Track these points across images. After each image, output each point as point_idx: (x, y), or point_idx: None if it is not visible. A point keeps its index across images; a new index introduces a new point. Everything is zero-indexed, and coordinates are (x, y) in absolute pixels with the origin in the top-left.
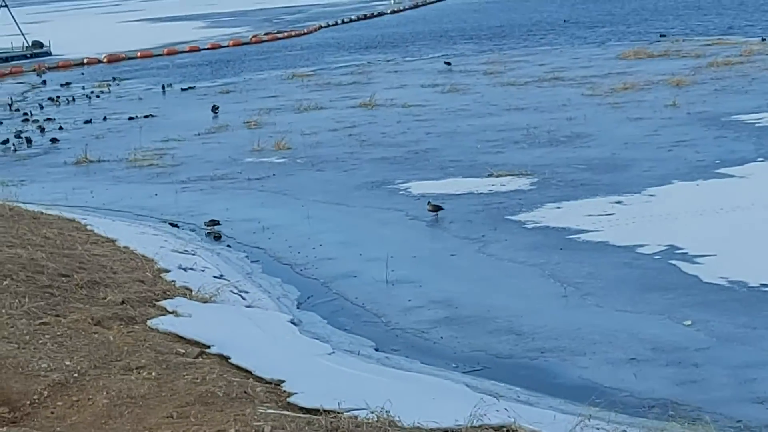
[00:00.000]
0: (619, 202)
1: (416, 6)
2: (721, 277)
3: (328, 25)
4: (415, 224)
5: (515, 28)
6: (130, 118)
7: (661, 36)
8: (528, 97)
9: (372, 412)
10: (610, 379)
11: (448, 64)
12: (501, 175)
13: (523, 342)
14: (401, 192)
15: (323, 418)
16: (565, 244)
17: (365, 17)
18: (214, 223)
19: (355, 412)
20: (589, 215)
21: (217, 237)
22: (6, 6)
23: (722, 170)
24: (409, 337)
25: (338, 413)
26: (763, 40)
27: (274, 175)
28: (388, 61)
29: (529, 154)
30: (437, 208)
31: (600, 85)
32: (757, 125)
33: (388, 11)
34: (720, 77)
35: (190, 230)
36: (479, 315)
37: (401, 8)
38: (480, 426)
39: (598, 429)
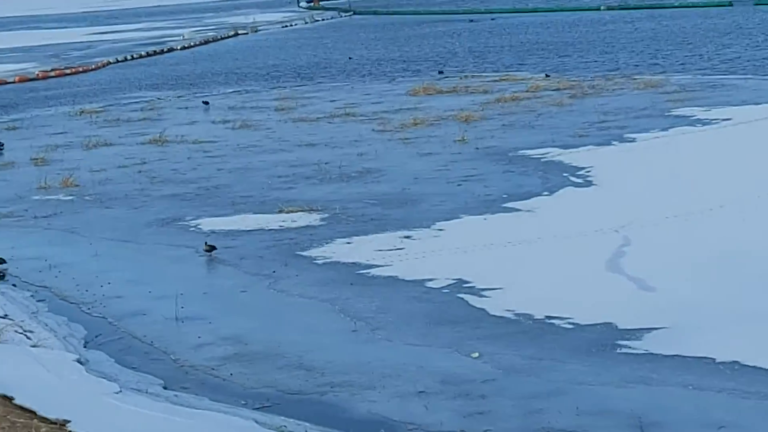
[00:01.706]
0: (409, 237)
1: (206, 42)
2: (508, 310)
3: (117, 61)
4: (205, 261)
5: (307, 65)
6: None
7: (439, 72)
8: (319, 133)
9: None
10: (399, 413)
11: (206, 103)
12: (292, 211)
13: (312, 377)
14: (192, 228)
15: None
16: (356, 279)
17: (155, 53)
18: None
19: None
20: (380, 250)
21: (2, 276)
22: None
23: (510, 204)
24: (198, 374)
25: None
26: (547, 76)
27: (61, 212)
28: (179, 97)
29: (321, 189)
30: (212, 248)
31: (391, 121)
32: (542, 160)
33: (178, 47)
34: (507, 112)
35: None
36: (269, 351)
37: (191, 44)
38: None
39: None
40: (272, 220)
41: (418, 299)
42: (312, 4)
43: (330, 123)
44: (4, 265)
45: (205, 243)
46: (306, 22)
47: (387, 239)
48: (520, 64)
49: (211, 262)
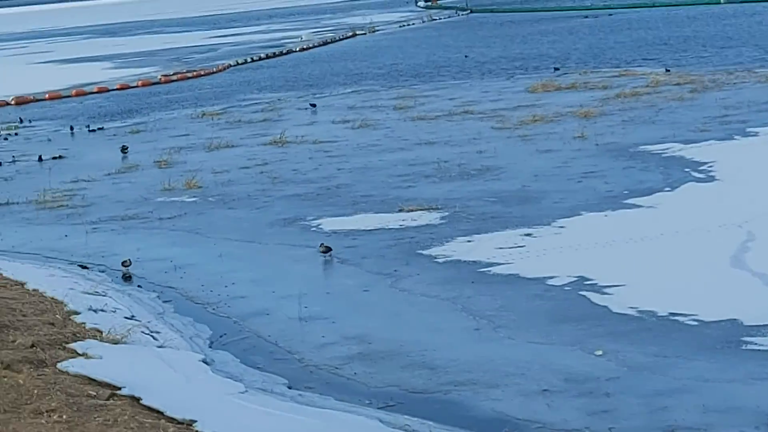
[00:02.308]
0: (529, 234)
1: (325, 43)
2: (631, 307)
3: (238, 64)
4: (327, 261)
5: (425, 64)
6: (39, 160)
7: (555, 69)
8: (438, 131)
9: None
10: (522, 411)
11: (314, 105)
12: (412, 210)
13: (436, 376)
14: (313, 228)
15: None
16: (477, 277)
17: (275, 55)
18: (125, 263)
19: None
20: (500, 248)
21: (128, 278)
22: None
23: (630, 200)
24: (322, 373)
25: None
26: (668, 71)
27: (185, 213)
28: (299, 98)
29: (440, 188)
30: (328, 249)
31: (509, 118)
32: (663, 155)
33: (297, 49)
34: (627, 108)
35: (100, 271)
36: (392, 350)
37: (310, 46)
38: None
39: None
40: (393, 219)
41: (540, 297)
42: (430, 3)
43: (449, 121)
44: (130, 267)
45: (322, 244)
46: (423, 21)
47: (507, 237)
48: (640, 60)
49: (333, 262)
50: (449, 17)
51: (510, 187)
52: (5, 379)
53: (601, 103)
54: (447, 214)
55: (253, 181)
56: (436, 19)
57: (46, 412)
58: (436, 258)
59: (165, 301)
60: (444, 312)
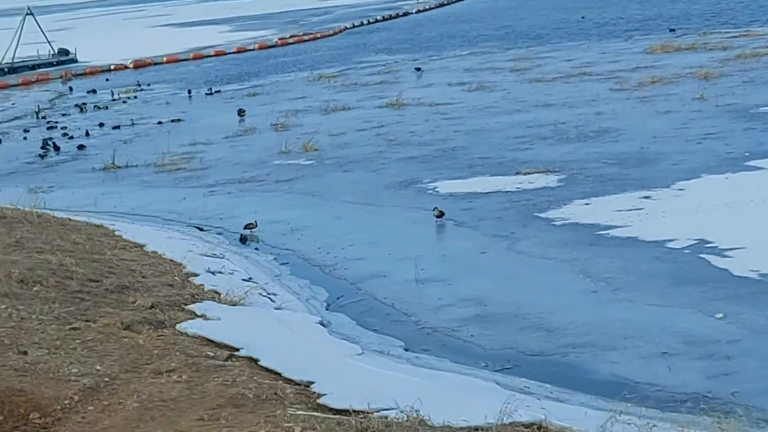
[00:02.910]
0: (648, 197)
1: (441, 5)
2: (752, 270)
3: (354, 26)
4: (443, 223)
5: (542, 25)
6: (158, 123)
7: (670, 30)
8: (555, 93)
9: (402, 412)
10: (641, 374)
11: (419, 69)
12: (529, 173)
13: (553, 338)
14: (430, 191)
15: (353, 419)
16: (595, 239)
17: (390, 17)
18: (250, 225)
19: (385, 412)
20: (619, 210)
21: (245, 240)
22: (32, 14)
23: (751, 162)
24: (439, 335)
25: (368, 413)
26: None
27: (302, 176)
28: (415, 60)
29: (558, 150)
30: (442, 214)
31: (628, 80)
32: None
33: (413, 11)
34: (748, 69)
35: (218, 233)
36: (509, 312)
37: (426, 8)
38: (510, 423)
39: (629, 424)
40: (509, 182)
41: (659, 259)
42: None
43: (566, 83)
44: (255, 230)
45: (435, 208)
46: None
47: (626, 199)
48: (762, 20)
49: (450, 224)
50: None
51: (628, 148)
52: (126, 340)
53: (721, 64)
54: (564, 176)
55: (369, 144)
56: None
57: (166, 372)
58: (553, 221)
59: (282, 264)
60: (561, 274)
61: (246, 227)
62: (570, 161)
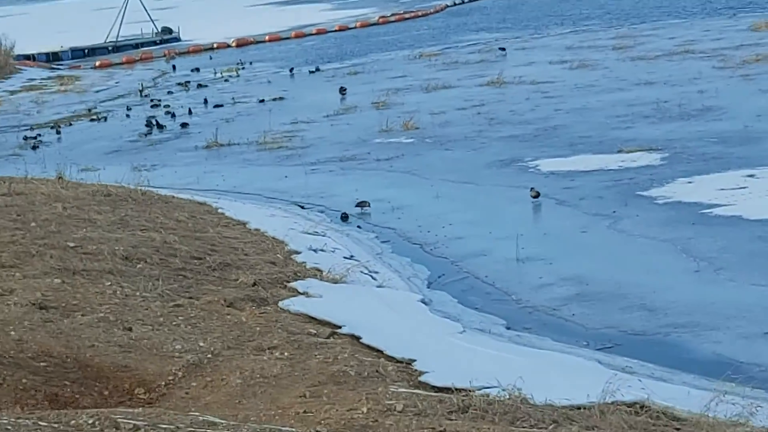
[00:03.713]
0: (752, 176)
1: None
2: None
3: (455, 4)
4: (545, 201)
5: (644, 2)
6: (260, 101)
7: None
8: (658, 71)
9: (504, 390)
10: (745, 354)
11: (503, 49)
12: (631, 151)
13: (655, 318)
14: (530, 170)
15: (455, 396)
16: (698, 218)
17: None
18: (363, 204)
19: (487, 390)
20: (722, 189)
21: (346, 217)
22: None
23: None
24: (540, 314)
25: (470, 391)
26: None
27: (402, 155)
28: (516, 38)
29: (660, 128)
30: (538, 194)
31: (731, 58)
32: None
33: None
34: None
35: (320, 212)
36: (611, 291)
37: None
38: (612, 402)
39: (733, 404)
40: (611, 160)
41: (763, 239)
42: None
43: (669, 61)
44: (367, 208)
45: (532, 189)
46: None
47: (729, 178)
48: None
49: (551, 203)
50: None
51: (732, 127)
52: (228, 317)
53: None
54: (667, 155)
55: (469, 122)
56: None
57: (268, 349)
58: (655, 199)
59: (383, 242)
60: (663, 254)
61: (358, 205)
62: (672, 140)
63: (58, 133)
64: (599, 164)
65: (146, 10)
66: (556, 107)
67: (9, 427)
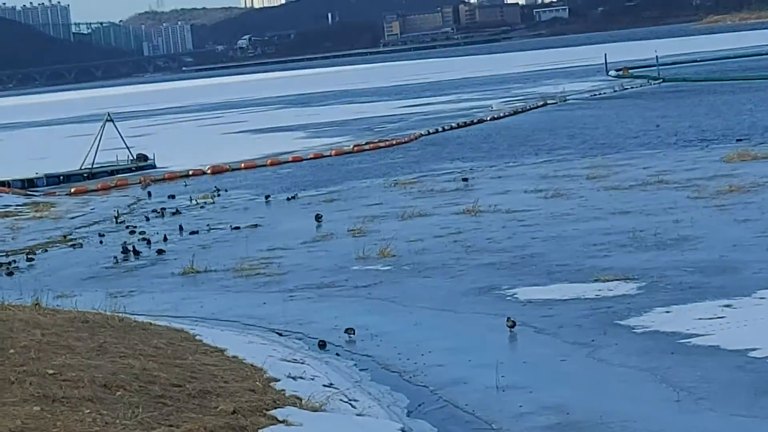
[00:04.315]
0: (729, 305)
1: (516, 112)
2: None
3: (429, 133)
4: (523, 330)
5: (617, 133)
6: (235, 228)
7: (737, 140)
8: (633, 201)
9: None
10: None
11: (465, 180)
12: (608, 280)
13: None
14: (508, 298)
15: None
16: (676, 348)
17: (465, 124)
18: (350, 330)
19: None
20: (700, 318)
21: (324, 345)
22: (111, 120)
23: None
24: None
25: None
26: None
27: (380, 282)
28: (491, 166)
29: (637, 257)
30: (514, 324)
31: (705, 188)
32: None
33: (488, 118)
34: None
35: (298, 339)
36: (592, 421)
37: (501, 115)
38: None
39: None
40: (589, 289)
41: (742, 369)
42: (621, 72)
43: (643, 191)
44: (353, 336)
45: (508, 318)
46: (615, 90)
47: (707, 307)
48: None
49: (530, 331)
50: (641, 86)
51: (708, 256)
52: None
53: None
54: (644, 284)
55: (447, 250)
56: (627, 88)
57: None
58: (634, 328)
59: (362, 369)
60: (643, 383)
61: (346, 331)
62: (649, 269)
63: (31, 260)
64: (577, 293)
65: (122, 137)
66: (532, 235)
67: None
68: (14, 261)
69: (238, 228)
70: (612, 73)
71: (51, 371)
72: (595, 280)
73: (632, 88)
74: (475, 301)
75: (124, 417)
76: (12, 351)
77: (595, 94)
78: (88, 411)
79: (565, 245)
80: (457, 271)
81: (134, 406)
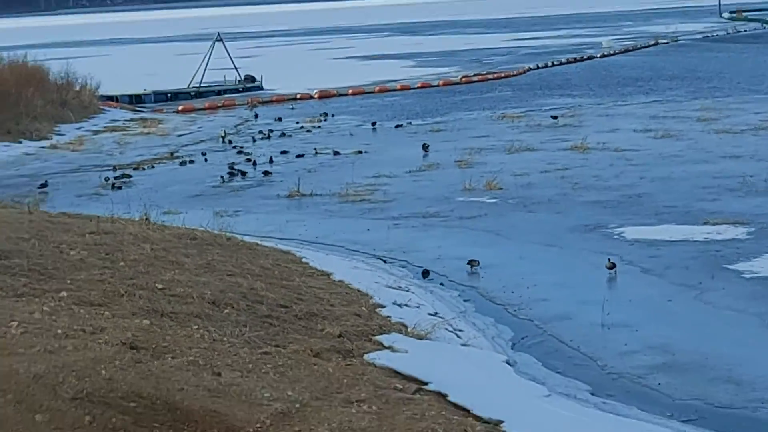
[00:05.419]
0: None
1: (626, 51)
2: None
3: (538, 67)
4: (630, 269)
5: (730, 76)
6: (339, 153)
7: None
8: (744, 145)
9: None
10: None
11: (555, 118)
12: (717, 223)
13: (742, 392)
14: (615, 236)
15: None
16: None
17: (575, 60)
18: (473, 262)
19: None
20: None
21: (427, 274)
22: (221, 40)
23: None
24: (624, 382)
25: None
26: None
27: (485, 214)
28: (599, 104)
29: (747, 202)
30: (613, 266)
31: None
32: None
33: (598, 55)
34: None
35: (401, 267)
36: (697, 362)
37: (611, 52)
38: None
39: None
40: (697, 232)
41: None
42: (734, 14)
43: (755, 135)
44: (477, 267)
45: (608, 260)
46: (728, 33)
47: None
48: None
49: (636, 271)
50: (755, 29)
51: None
52: (315, 367)
53: None
54: (754, 229)
55: (553, 186)
56: (740, 32)
57: (356, 401)
58: (742, 273)
59: (466, 300)
60: (751, 327)
61: (469, 263)
62: (759, 214)
63: (131, 176)
64: (685, 235)
65: (230, 58)
66: (640, 175)
67: None
68: (122, 175)
69: (343, 153)
70: (725, 15)
71: (160, 286)
72: (704, 223)
73: (745, 31)
74: (581, 237)
75: (231, 335)
76: (122, 264)
77: (707, 36)
78: (196, 327)
79: (674, 187)
80: (563, 207)
81: (241, 325)
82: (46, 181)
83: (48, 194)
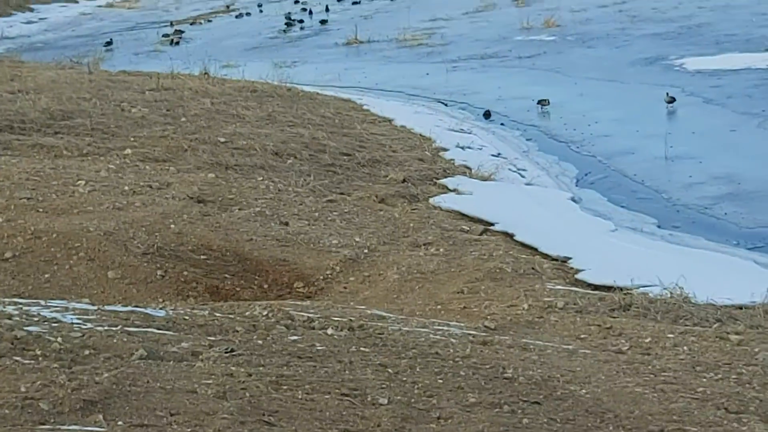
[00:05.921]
0: None
1: None
2: None
3: None
4: (692, 100)
5: None
6: None
7: None
8: None
9: (665, 289)
10: None
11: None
12: None
13: None
14: (676, 68)
15: (616, 294)
16: None
17: None
18: (544, 102)
19: (647, 289)
20: None
21: (489, 115)
22: None
23: None
24: (690, 213)
25: (630, 290)
26: None
27: (544, 52)
28: None
29: None
30: (673, 100)
31: None
32: None
33: None
34: None
35: (462, 109)
36: (763, 191)
37: None
38: None
39: None
40: (759, 59)
41: None
42: None
43: None
44: (547, 106)
45: (667, 94)
46: None
47: None
48: None
49: (698, 102)
50: None
51: None
52: (381, 213)
53: None
54: None
55: (611, 20)
56: None
57: (423, 245)
58: None
59: (528, 139)
60: None
61: (539, 102)
62: None
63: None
64: (746, 63)
65: None
66: (699, 4)
67: (186, 317)
68: (179, 31)
69: None
70: None
71: (222, 139)
72: (766, 50)
73: None
74: (641, 71)
75: (296, 185)
76: (183, 119)
77: None
78: (261, 178)
79: (734, 14)
80: (622, 41)
81: (305, 174)
82: (111, 39)
83: (112, 52)
